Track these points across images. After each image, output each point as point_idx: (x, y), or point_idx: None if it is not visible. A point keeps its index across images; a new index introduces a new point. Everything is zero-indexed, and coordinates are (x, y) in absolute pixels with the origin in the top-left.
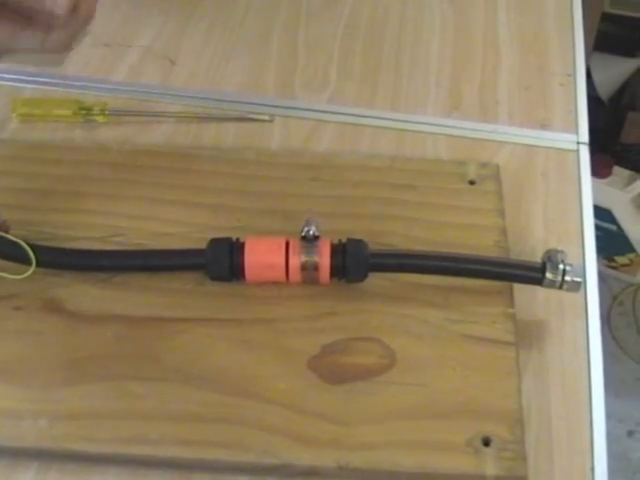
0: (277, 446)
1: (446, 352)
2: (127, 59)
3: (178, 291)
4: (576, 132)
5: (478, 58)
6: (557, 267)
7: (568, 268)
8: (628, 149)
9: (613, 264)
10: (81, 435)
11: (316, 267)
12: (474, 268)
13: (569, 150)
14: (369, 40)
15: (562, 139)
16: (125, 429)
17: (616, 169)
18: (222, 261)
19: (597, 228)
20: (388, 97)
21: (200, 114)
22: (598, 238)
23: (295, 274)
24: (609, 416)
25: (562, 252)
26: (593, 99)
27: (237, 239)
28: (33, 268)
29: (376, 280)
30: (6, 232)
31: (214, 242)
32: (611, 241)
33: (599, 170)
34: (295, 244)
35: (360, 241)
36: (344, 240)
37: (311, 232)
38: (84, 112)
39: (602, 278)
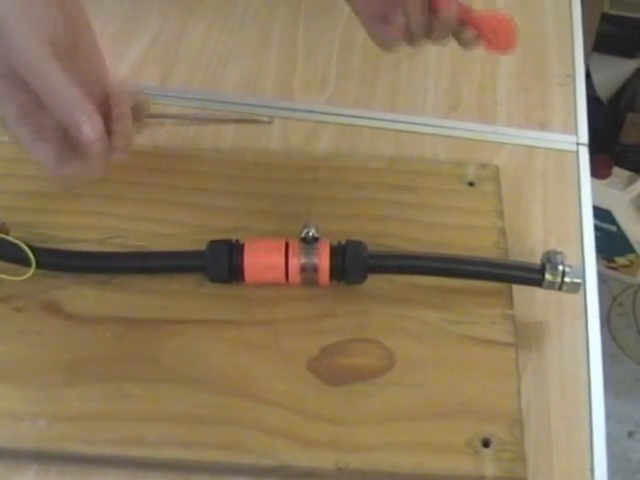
0: (276, 447)
1: (445, 353)
2: (126, 60)
3: (177, 293)
4: (575, 133)
5: (477, 59)
6: (556, 268)
7: (567, 269)
8: (627, 150)
9: (613, 265)
10: (80, 437)
11: (315, 269)
12: (473, 269)
13: (568, 151)
14: (368, 41)
15: (561, 140)
16: (124, 430)
17: (616, 170)
18: (221, 263)
19: (597, 229)
20: (387, 98)
21: (199, 115)
22: (598, 239)
23: (294, 276)
24: (609, 417)
25: (561, 253)
26: (592, 100)
27: (236, 240)
28: (33, 270)
29: (375, 281)
30: (6, 234)
31: (213, 244)
32: (611, 242)
33: (599, 171)
34: (295, 245)
35: (359, 243)
36: (343, 242)
37: (310, 234)
38: None
39: (602, 279)
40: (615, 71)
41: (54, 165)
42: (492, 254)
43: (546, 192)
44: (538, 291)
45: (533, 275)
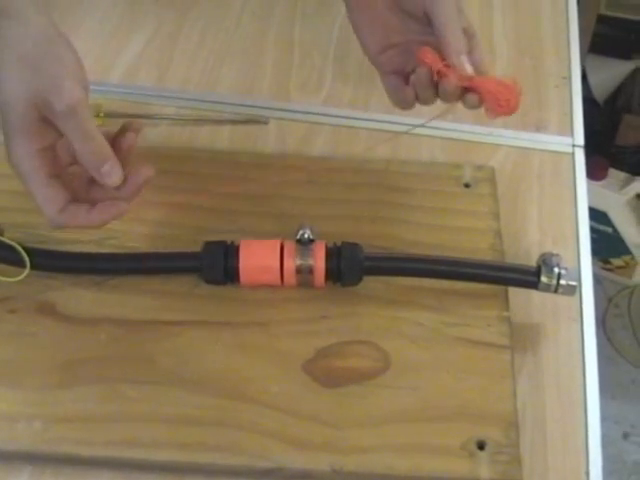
0: (271, 449)
1: (441, 355)
2: (122, 61)
3: (172, 294)
4: (571, 135)
5: None
6: (552, 271)
7: (563, 272)
8: (623, 151)
9: (609, 266)
10: (75, 438)
11: (311, 270)
12: (469, 272)
13: (564, 153)
14: None
15: (557, 142)
16: (119, 432)
17: (612, 171)
18: (217, 264)
19: (593, 230)
20: (383, 99)
21: (195, 116)
22: (594, 240)
23: (290, 277)
24: (604, 418)
25: (557, 256)
26: (588, 101)
27: (232, 242)
28: (27, 271)
29: (371, 283)
30: (1, 235)
31: (209, 245)
32: (607, 243)
33: (595, 172)
34: (290, 247)
35: (355, 245)
36: (339, 243)
37: (306, 235)
38: None
39: (597, 280)
40: (611, 72)
41: (58, 210)
42: (488, 256)
43: (542, 194)
44: (534, 293)
45: (529, 277)
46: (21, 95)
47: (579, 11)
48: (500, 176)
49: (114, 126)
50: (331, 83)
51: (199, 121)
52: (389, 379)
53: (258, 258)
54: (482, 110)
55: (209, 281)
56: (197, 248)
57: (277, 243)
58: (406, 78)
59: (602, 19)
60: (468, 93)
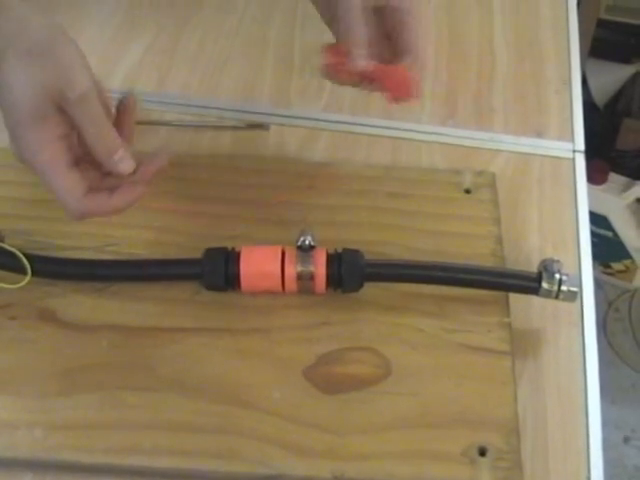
0: (272, 456)
1: (441, 361)
2: (123, 67)
3: (173, 301)
4: (572, 140)
5: (473, 66)
6: (553, 277)
7: (564, 278)
8: (624, 155)
9: (609, 270)
10: (75, 445)
11: (312, 277)
12: (470, 278)
13: (565, 158)
14: None
15: (558, 147)
16: (119, 439)
17: (612, 175)
18: (218, 271)
19: (593, 234)
20: (383, 105)
21: (195, 122)
22: (594, 244)
23: (291, 284)
24: (605, 422)
25: (558, 262)
26: (589, 105)
27: (232, 248)
28: (28, 278)
29: (371, 289)
30: (1, 242)
31: (210, 251)
32: (607, 247)
33: (595, 176)
34: (291, 254)
35: (356, 251)
36: (340, 250)
37: (307, 242)
38: None
39: (598, 284)
40: (611, 76)
41: (80, 198)
42: (489, 262)
43: (542, 199)
44: (534, 298)
45: (530, 283)
46: (33, 90)
47: (579, 15)
48: (500, 181)
49: None
50: (331, 89)
51: (199, 127)
52: (390, 385)
53: (259, 265)
54: (483, 116)
55: (210, 288)
56: (198, 255)
57: (278, 249)
58: None
59: (602, 23)
60: (368, 81)
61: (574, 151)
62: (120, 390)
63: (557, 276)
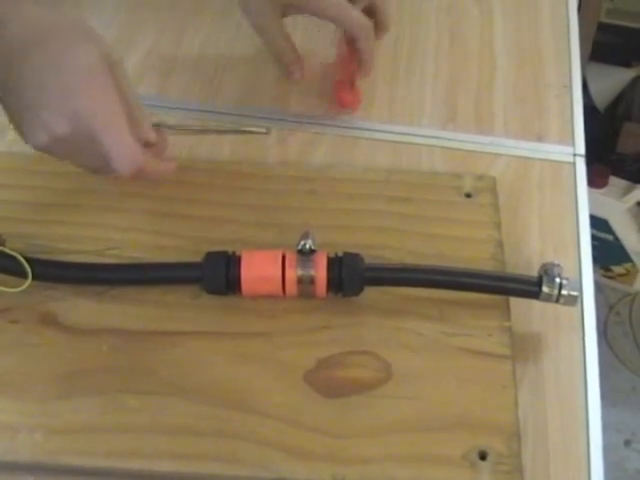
0: (273, 460)
1: (442, 365)
2: None
3: (174, 304)
4: (572, 144)
5: (474, 70)
6: (554, 281)
7: (565, 282)
8: (624, 159)
9: (610, 274)
10: (76, 449)
11: (312, 281)
12: (470, 282)
13: (565, 162)
14: None
15: (558, 151)
16: (120, 443)
17: (612, 179)
18: (218, 274)
19: (594, 238)
20: (384, 109)
21: (196, 126)
22: (594, 248)
23: (291, 288)
24: (605, 426)
25: (558, 266)
26: (589, 109)
27: (233, 252)
28: (29, 281)
29: (371, 293)
30: (2, 245)
31: (210, 255)
32: (608, 251)
33: (595, 180)
34: (291, 258)
35: (356, 255)
36: (340, 254)
37: (307, 246)
38: None
39: (598, 288)
40: (612, 80)
41: (140, 146)
42: (489, 266)
43: (543, 203)
44: (535, 303)
45: (530, 288)
46: (86, 53)
47: (579, 19)
48: (501, 186)
49: None
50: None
51: (200, 131)
52: (390, 389)
53: (260, 268)
54: (483, 120)
55: (210, 291)
56: (198, 258)
57: (279, 253)
58: None
59: (602, 27)
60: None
61: (574, 155)
62: (121, 394)
63: (557, 280)
